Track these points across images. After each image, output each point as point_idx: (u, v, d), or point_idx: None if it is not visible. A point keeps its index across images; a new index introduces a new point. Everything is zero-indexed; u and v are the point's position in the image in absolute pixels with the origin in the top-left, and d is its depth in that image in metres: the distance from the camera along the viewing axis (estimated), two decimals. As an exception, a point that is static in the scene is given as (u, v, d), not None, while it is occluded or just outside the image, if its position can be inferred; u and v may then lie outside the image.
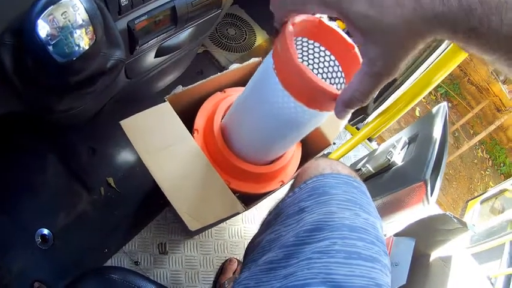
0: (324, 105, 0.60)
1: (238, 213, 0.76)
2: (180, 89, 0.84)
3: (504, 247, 2.12)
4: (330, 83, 0.71)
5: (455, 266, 1.16)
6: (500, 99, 4.25)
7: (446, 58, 1.20)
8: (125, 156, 1.42)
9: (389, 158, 1.27)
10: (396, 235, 1.19)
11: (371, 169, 1.35)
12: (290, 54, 0.52)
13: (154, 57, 1.01)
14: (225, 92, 0.93)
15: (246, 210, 0.77)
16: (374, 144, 1.97)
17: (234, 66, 0.93)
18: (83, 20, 0.60)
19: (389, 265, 0.60)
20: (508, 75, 0.41)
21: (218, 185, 0.77)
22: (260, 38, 1.99)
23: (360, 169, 1.40)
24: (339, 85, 0.70)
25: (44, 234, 1.18)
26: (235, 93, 0.93)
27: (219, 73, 0.89)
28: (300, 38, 0.67)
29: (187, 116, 0.87)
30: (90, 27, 0.61)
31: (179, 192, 0.73)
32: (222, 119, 0.86)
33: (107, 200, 1.31)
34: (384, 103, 1.72)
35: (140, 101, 1.27)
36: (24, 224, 1.18)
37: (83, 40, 0.61)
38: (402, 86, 1.70)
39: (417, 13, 0.38)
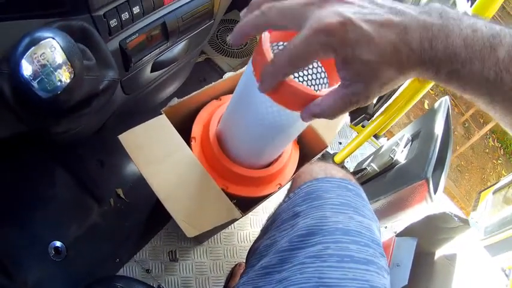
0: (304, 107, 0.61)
1: (235, 219, 0.78)
2: (175, 101, 0.86)
3: (518, 237, 2.08)
4: (314, 84, 0.73)
5: (463, 263, 1.15)
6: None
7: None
8: (133, 167, 1.44)
9: (392, 156, 1.27)
10: (398, 235, 1.18)
11: (376, 168, 1.36)
12: (266, 59, 0.54)
13: (151, 72, 1.03)
14: (220, 99, 0.95)
15: (243, 216, 0.78)
16: (383, 140, 1.96)
17: (229, 74, 0.94)
18: (61, 58, 0.63)
19: (386, 267, 0.60)
20: (488, 112, 0.42)
21: (214, 192, 0.79)
22: None
23: (365, 168, 1.41)
24: (322, 85, 0.71)
25: (57, 247, 1.20)
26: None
27: (213, 82, 0.91)
28: (280, 43, 0.69)
29: (186, 125, 0.89)
30: (69, 64, 0.64)
31: (176, 200, 0.75)
32: (218, 125, 0.88)
33: (116, 210, 1.34)
34: (390, 99, 1.70)
35: (143, 113, 1.30)
36: (38, 237, 1.20)
37: (63, 76, 0.64)
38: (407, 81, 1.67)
39: (407, 56, 0.39)
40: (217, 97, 0.95)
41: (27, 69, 0.60)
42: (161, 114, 0.84)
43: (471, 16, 0.39)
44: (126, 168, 1.44)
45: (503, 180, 2.43)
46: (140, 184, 1.41)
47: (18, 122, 0.73)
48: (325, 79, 0.70)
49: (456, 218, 1.10)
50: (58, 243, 1.21)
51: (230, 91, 0.98)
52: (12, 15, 0.65)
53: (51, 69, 0.62)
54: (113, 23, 0.78)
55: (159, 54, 0.99)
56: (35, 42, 0.60)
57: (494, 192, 2.37)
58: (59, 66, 0.63)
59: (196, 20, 1.00)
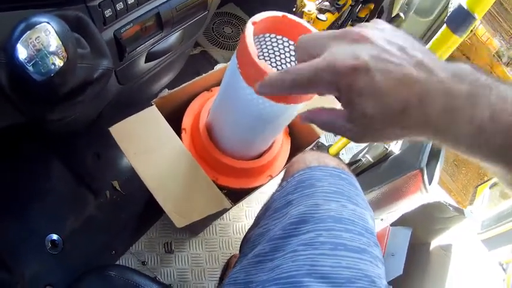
0: (288, 99, 0.62)
1: (226, 210, 0.78)
2: (166, 92, 0.86)
3: (515, 231, 2.08)
4: None
5: (459, 253, 1.15)
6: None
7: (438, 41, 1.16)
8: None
9: (386, 147, 1.27)
10: (393, 225, 1.18)
11: (370, 159, 1.36)
12: (248, 52, 0.54)
13: (145, 63, 1.03)
14: (211, 91, 0.95)
15: (233, 206, 0.78)
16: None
17: (220, 66, 0.95)
18: (55, 42, 0.64)
19: (380, 256, 0.60)
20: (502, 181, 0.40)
21: (204, 183, 0.79)
22: None
23: (360, 160, 1.41)
24: None
25: (54, 240, 1.21)
26: (221, 92, 0.94)
27: (203, 74, 0.91)
28: (267, 35, 0.69)
29: (177, 116, 0.89)
30: (62, 48, 0.65)
31: (165, 191, 0.75)
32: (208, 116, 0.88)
33: (112, 202, 1.34)
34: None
35: (137, 104, 1.30)
36: (34, 230, 1.21)
37: (57, 59, 0.65)
38: None
39: (420, 121, 0.36)
40: (208, 88, 0.95)
41: (22, 53, 0.62)
42: (152, 105, 0.84)
43: (501, 82, 0.35)
44: (122, 160, 1.44)
45: (500, 175, 2.44)
46: (136, 176, 1.39)
47: (14, 110, 0.74)
48: None
49: (451, 208, 1.10)
50: (55, 236, 1.22)
51: (220, 83, 0.97)
52: (8, 5, 0.66)
53: (46, 52, 0.63)
54: (108, 12, 0.79)
55: (153, 44, 0.99)
56: (31, 26, 0.62)
57: (491, 187, 2.37)
58: (54, 51, 0.64)
59: (190, 11, 1.01)
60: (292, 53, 0.72)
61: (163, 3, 0.91)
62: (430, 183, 1.14)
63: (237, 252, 1.35)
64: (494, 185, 2.30)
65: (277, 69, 0.78)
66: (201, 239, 1.35)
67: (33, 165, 1.31)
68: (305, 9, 1.26)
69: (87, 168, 1.39)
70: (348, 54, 0.37)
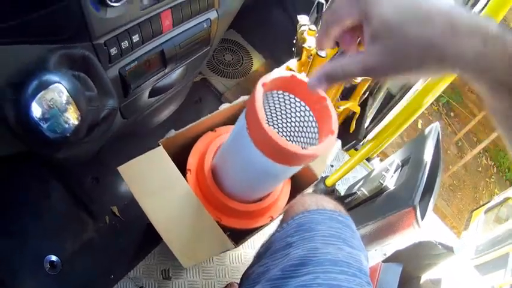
0: (292, 162, 0.66)
1: (228, 250, 0.81)
2: (172, 132, 0.89)
3: (509, 256, 2.11)
4: (304, 131, 0.77)
5: (448, 286, 1.19)
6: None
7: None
8: (128, 186, 1.46)
9: (381, 182, 1.30)
10: (385, 261, 1.22)
11: (366, 193, 1.38)
12: (257, 117, 0.57)
13: (148, 98, 1.06)
14: (215, 131, 0.98)
15: (236, 247, 0.82)
16: (376, 161, 1.97)
17: (224, 106, 0.98)
18: (67, 102, 0.66)
19: None
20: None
21: (209, 224, 0.82)
22: (257, 63, 2.00)
23: (355, 193, 1.44)
24: (312, 134, 0.75)
25: (53, 261, 1.21)
26: (225, 132, 0.98)
27: (209, 114, 0.94)
28: (275, 92, 0.73)
29: (182, 156, 0.92)
30: (75, 107, 0.68)
31: (172, 232, 0.78)
32: (213, 158, 0.91)
33: (112, 228, 1.35)
34: (383, 120, 1.72)
35: (139, 135, 1.32)
36: (34, 250, 1.21)
37: (70, 118, 0.67)
38: (400, 102, 1.66)
39: (447, 40, 0.36)
40: (212, 128, 0.98)
41: (36, 111, 0.64)
42: (159, 145, 0.87)
43: None
44: (121, 186, 1.46)
45: (495, 200, 2.47)
46: (135, 203, 1.40)
47: (19, 142, 0.75)
48: (316, 133, 0.74)
49: (441, 246, 1.14)
50: (54, 257, 1.22)
51: (225, 122, 1.01)
52: (15, 39, 0.67)
53: (59, 112, 0.65)
54: (113, 51, 0.81)
55: (157, 80, 1.01)
56: (44, 86, 0.64)
57: (486, 212, 2.41)
58: (66, 110, 0.66)
59: (194, 47, 1.03)
60: (298, 109, 0.75)
61: (167, 40, 0.94)
62: (422, 218, 1.17)
63: (234, 280, 1.38)
64: (489, 209, 2.34)
65: (283, 128, 0.81)
66: (198, 267, 1.36)
67: (32, 184, 1.32)
68: (305, 45, 1.27)
69: (85, 192, 1.40)
70: None
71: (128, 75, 0.88)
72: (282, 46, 1.69)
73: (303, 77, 0.69)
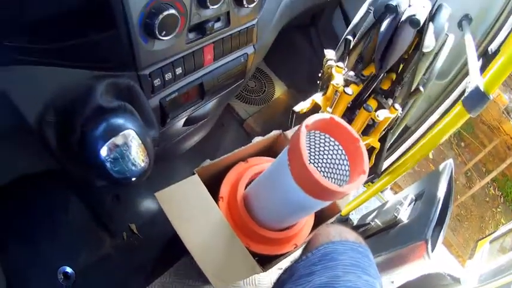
0: (328, 198, 0.73)
1: (256, 274, 0.87)
2: (207, 162, 0.95)
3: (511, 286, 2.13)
4: (337, 169, 0.83)
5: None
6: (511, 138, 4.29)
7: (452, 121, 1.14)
8: (147, 204, 1.49)
9: (396, 215, 1.35)
10: (395, 291, 1.27)
11: (380, 224, 1.44)
12: (302, 159, 0.64)
13: (183, 126, 1.11)
14: (247, 162, 1.04)
15: (264, 271, 0.87)
16: (388, 192, 2.02)
17: (257, 139, 1.04)
18: (138, 147, 0.71)
19: None
20: None
21: (239, 250, 0.88)
22: (279, 90, 2.02)
23: (369, 223, 1.48)
24: (344, 171, 0.81)
25: (67, 272, 1.23)
26: (256, 163, 1.04)
27: (242, 147, 1.00)
28: (313, 132, 0.79)
29: (214, 183, 0.98)
30: (145, 152, 0.72)
31: (206, 256, 0.84)
32: (246, 188, 0.97)
33: (129, 244, 1.38)
34: (397, 150, 1.77)
35: (168, 159, 1.36)
36: (48, 260, 1.24)
37: (138, 162, 0.72)
38: (414, 135, 1.72)
39: None
40: (244, 159, 1.04)
41: (105, 153, 0.68)
42: (193, 174, 0.92)
43: None
44: (141, 205, 1.49)
45: (501, 230, 2.50)
46: (154, 221, 1.45)
47: (54, 159, 0.77)
48: (347, 171, 0.80)
49: (449, 277, 1.19)
50: (68, 269, 1.24)
51: (257, 154, 1.08)
52: (62, 62, 0.69)
53: (130, 157, 0.70)
54: (157, 82, 0.85)
55: (194, 110, 1.06)
56: (116, 132, 0.68)
57: (491, 242, 2.43)
58: (136, 155, 0.71)
59: (230, 80, 1.08)
60: (332, 147, 0.81)
61: (207, 73, 0.98)
62: (432, 250, 1.22)
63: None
64: (494, 239, 2.36)
65: (318, 165, 0.88)
66: (213, 288, 1.39)
67: (51, 196, 1.35)
68: (333, 82, 1.29)
69: (105, 208, 1.44)
70: None
71: (167, 105, 0.92)
72: (304, 76, 1.74)
73: (340, 120, 0.75)
